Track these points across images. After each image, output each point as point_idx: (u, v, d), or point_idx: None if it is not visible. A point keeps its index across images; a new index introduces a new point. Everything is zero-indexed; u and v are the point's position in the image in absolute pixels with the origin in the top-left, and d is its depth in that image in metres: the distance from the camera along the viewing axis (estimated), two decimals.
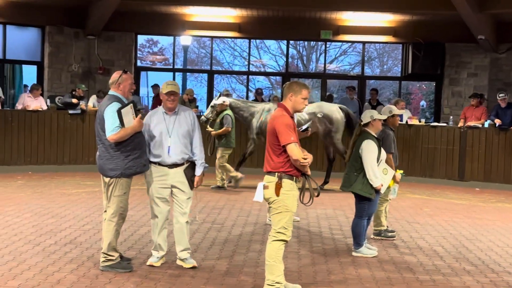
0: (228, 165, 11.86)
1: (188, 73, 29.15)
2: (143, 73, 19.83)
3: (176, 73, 20.50)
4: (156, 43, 32.51)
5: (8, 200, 10.00)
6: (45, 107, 14.18)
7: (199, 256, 6.90)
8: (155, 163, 6.37)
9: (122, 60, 17.06)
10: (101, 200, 9.74)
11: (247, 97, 19.28)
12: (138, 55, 19.00)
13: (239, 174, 11.86)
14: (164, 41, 31.12)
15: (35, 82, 15.58)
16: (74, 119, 14.13)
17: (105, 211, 6.32)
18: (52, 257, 6.66)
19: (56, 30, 16.44)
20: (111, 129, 6.08)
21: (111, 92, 6.36)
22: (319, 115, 12.29)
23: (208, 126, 11.95)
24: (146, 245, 7.33)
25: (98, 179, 11.14)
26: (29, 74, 18.31)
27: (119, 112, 6.07)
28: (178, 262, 6.52)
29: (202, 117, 12.07)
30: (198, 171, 6.46)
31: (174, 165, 6.33)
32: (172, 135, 6.32)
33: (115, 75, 6.37)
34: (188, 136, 6.40)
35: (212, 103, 12.20)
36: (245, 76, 21.52)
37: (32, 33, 16.71)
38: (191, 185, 6.44)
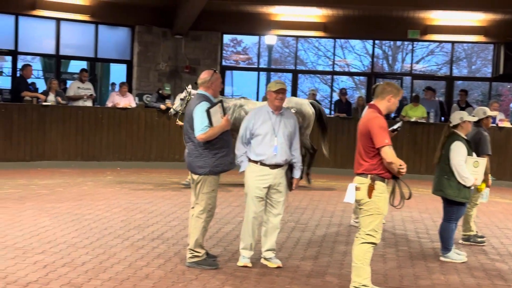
0: None
1: (271, 73, 29.22)
2: (228, 72, 20.01)
3: (260, 73, 20.53)
4: (239, 42, 32.78)
5: (98, 195, 10.31)
6: (133, 105, 14.54)
7: (283, 255, 6.90)
8: (256, 161, 6.38)
9: (208, 59, 17.28)
10: (187, 196, 9.95)
11: (331, 97, 19.13)
12: (223, 54, 19.18)
13: None
14: (248, 40, 31.31)
15: (124, 81, 16.00)
16: (161, 116, 14.43)
17: (193, 208, 6.41)
18: (141, 251, 6.82)
19: (145, 29, 16.84)
20: (200, 128, 6.16)
21: (200, 91, 6.44)
22: (292, 111, 12.11)
23: (178, 120, 11.61)
24: (231, 243, 7.40)
25: (184, 176, 11.36)
26: (117, 73, 18.83)
27: (208, 112, 6.15)
28: (263, 261, 6.53)
29: (171, 110, 11.85)
30: (297, 173, 6.46)
31: (277, 166, 6.34)
32: (278, 135, 6.32)
33: (205, 75, 6.44)
34: (290, 137, 6.40)
35: (181, 95, 11.75)
36: (328, 76, 21.36)
37: (122, 33, 17.18)
38: (290, 187, 6.45)
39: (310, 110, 11.96)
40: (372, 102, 5.69)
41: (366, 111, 5.76)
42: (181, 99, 11.61)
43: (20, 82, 14.05)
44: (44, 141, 13.32)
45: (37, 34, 16.21)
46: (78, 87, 14.37)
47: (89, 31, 16.60)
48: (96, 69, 18.35)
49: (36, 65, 21.87)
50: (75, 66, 18.35)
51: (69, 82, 16.37)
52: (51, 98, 13.65)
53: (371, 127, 5.42)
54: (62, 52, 16.50)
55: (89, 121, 13.85)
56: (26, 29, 15.82)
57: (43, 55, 17.96)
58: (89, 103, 14.36)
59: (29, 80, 14.80)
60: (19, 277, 5.63)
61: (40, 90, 15.19)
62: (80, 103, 14.19)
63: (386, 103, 5.56)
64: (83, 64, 17.38)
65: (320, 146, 12.30)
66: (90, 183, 11.53)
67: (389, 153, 5.34)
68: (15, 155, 12.97)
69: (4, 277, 5.60)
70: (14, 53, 15.99)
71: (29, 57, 20.90)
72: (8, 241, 6.92)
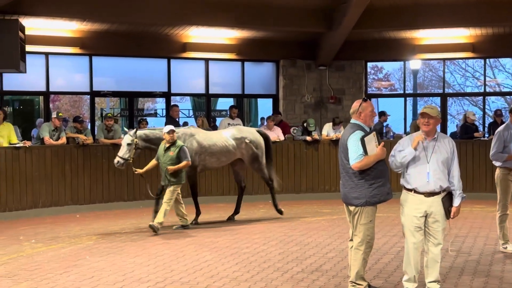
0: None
1: (418, 98, 28.63)
2: (373, 100, 19.84)
3: (407, 98, 20.17)
4: (381, 69, 32.48)
5: (254, 228, 10.49)
6: (282, 138, 14.73)
7: (447, 286, 6.63)
8: (410, 190, 6.25)
9: (352, 88, 17.22)
10: (341, 227, 9.89)
11: (484, 119, 18.37)
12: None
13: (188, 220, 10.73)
14: (389, 66, 30.98)
15: (271, 114, 16.30)
16: (309, 148, 14.52)
17: (351, 240, 6.34)
18: (301, 284, 6.82)
19: (289, 63, 17.12)
20: (355, 157, 6.11)
21: (352, 120, 6.40)
22: (247, 141, 11.44)
23: (134, 168, 10.48)
24: (392, 274, 7.22)
25: (335, 207, 11.31)
26: (264, 107, 19.22)
27: (362, 140, 6.09)
28: None
29: (117, 159, 10.50)
30: (456, 201, 6.19)
31: (432, 194, 6.15)
32: (431, 161, 6.15)
33: (355, 104, 6.41)
34: (447, 164, 6.18)
35: (127, 140, 10.50)
36: (478, 97, 20.54)
37: (267, 68, 17.56)
38: (447, 215, 6.21)
39: (261, 139, 11.68)
40: None
41: None
42: (128, 144, 10.47)
43: (170, 122, 14.70)
44: (199, 177, 13.76)
45: (188, 75, 16.97)
46: (228, 124, 14.81)
47: (236, 68, 17.14)
48: (243, 105, 18.85)
49: (186, 104, 22.90)
50: (223, 103, 18.98)
51: (218, 120, 16.93)
52: None
53: None
54: (211, 90, 17.13)
55: None
56: (178, 71, 16.60)
57: (193, 95, 18.77)
58: None
59: (182, 119, 15.47)
60: None
61: None
62: None
63: None
64: (231, 101, 17.92)
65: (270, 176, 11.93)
66: (244, 217, 11.76)
67: None
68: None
69: None
70: (167, 95, 16.81)
71: (177, 97, 21.91)
72: (174, 276, 7.18)
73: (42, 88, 15.58)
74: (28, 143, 12.36)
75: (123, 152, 10.53)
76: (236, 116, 15.19)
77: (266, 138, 11.83)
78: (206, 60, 16.74)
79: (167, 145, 10.25)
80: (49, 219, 11.60)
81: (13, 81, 15.08)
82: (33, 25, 13.97)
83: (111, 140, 12.98)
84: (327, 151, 14.37)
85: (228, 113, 15.31)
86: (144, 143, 10.69)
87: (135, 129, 10.77)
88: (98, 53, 15.73)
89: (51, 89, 15.78)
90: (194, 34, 15.92)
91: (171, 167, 10.11)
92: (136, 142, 10.49)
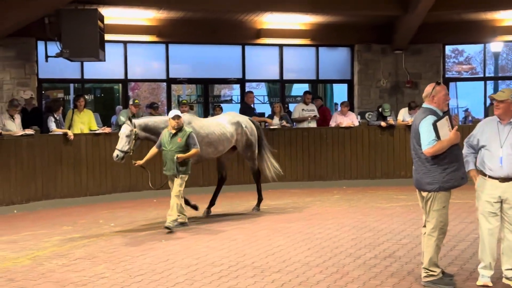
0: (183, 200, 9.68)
1: (499, 81, 27.72)
2: (451, 84, 19.35)
3: (488, 82, 19.53)
4: (461, 52, 31.59)
5: (327, 214, 10.47)
6: (356, 123, 14.61)
7: None
8: (484, 174, 6.10)
9: (429, 72, 16.85)
10: (416, 213, 9.73)
11: None
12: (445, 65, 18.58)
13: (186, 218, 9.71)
14: (470, 49, 30.08)
15: (345, 100, 16.17)
16: (384, 133, 14.34)
17: (424, 226, 6.24)
18: (373, 270, 6.78)
19: (364, 48, 16.89)
20: (427, 142, 6.00)
21: (425, 105, 6.29)
22: (243, 125, 10.70)
23: (133, 160, 9.57)
24: (468, 261, 7.08)
25: (411, 193, 11.10)
26: (339, 92, 19.08)
27: (434, 125, 5.97)
28: (504, 280, 6.15)
29: (116, 152, 9.59)
30: None
31: (506, 179, 5.99)
32: (505, 145, 5.98)
33: (428, 88, 6.31)
34: None
35: (125, 131, 9.58)
36: None
37: (342, 53, 17.39)
38: None
39: (253, 126, 11.00)
40: None
41: None
42: (127, 136, 9.59)
43: (245, 108, 14.81)
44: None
45: (262, 61, 17.01)
46: (303, 109, 14.79)
47: (310, 54, 17.06)
48: (318, 91, 18.76)
49: (262, 91, 22.99)
50: (297, 89, 18.94)
51: (292, 105, 16.93)
52: (276, 121, 14.21)
53: None
54: (286, 76, 17.12)
55: (314, 141, 14.17)
56: (252, 57, 16.68)
57: (268, 81, 18.82)
58: (313, 124, 14.71)
59: (256, 106, 15.55)
60: None
61: (266, 115, 15.89)
62: (305, 124, 14.58)
63: None
64: (305, 87, 17.88)
65: (263, 167, 11.19)
66: (318, 203, 11.76)
67: None
68: (247, 178, 13.61)
69: None
70: (241, 81, 16.93)
71: (253, 84, 22.01)
72: (247, 260, 7.27)
73: (121, 76, 15.99)
74: (107, 130, 12.72)
75: (122, 144, 9.58)
76: (310, 101, 15.14)
77: (257, 127, 11.12)
78: (281, 46, 16.73)
79: (173, 131, 9.35)
80: (127, 204, 11.94)
81: (93, 70, 15.52)
82: (111, 15, 14.33)
83: None
84: (403, 136, 14.13)
85: (302, 98, 15.28)
86: (144, 133, 9.80)
87: (134, 121, 9.72)
88: (174, 41, 15.99)
89: (129, 77, 16.17)
90: (268, 20, 15.94)
91: (181, 155, 9.20)
92: (135, 132, 9.60)
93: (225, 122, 10.62)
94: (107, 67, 15.31)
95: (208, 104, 17.56)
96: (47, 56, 13.31)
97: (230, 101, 23.71)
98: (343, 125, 14.38)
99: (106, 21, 13.72)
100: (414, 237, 8.31)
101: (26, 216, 10.96)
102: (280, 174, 11.41)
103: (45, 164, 11.89)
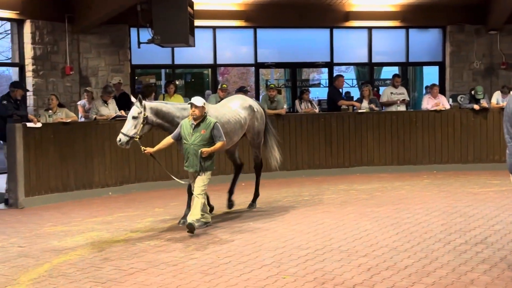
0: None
1: None
2: None
3: None
4: None
5: (416, 199, 10.30)
6: (447, 106, 14.24)
7: None
8: None
9: None
10: (511, 199, 9.42)
11: None
12: None
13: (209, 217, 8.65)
14: None
15: (435, 83, 15.78)
16: (477, 116, 13.92)
17: None
18: (463, 256, 6.63)
19: (456, 29, 16.44)
20: None
21: None
22: (255, 109, 9.61)
23: (142, 147, 8.31)
24: None
25: (505, 178, 10.79)
26: (429, 75, 18.63)
27: None
28: None
29: (120, 137, 8.35)
30: None
31: None
32: None
33: None
34: None
35: (133, 113, 8.35)
36: None
37: (433, 34, 16.98)
38: None
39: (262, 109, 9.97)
40: None
41: None
42: (133, 118, 8.33)
43: (334, 92, 14.71)
44: (361, 147, 13.74)
45: (350, 44, 16.85)
46: (391, 93, 14.56)
47: (400, 36, 16.75)
48: (408, 73, 18.41)
49: (350, 74, 22.77)
50: (387, 72, 18.65)
51: (382, 89, 16.70)
52: (365, 105, 14.05)
53: None
54: (374, 59, 16.91)
55: (404, 125, 13.92)
56: (340, 41, 16.54)
57: (356, 64, 18.64)
58: (402, 108, 14.45)
59: (344, 89, 15.44)
60: (345, 279, 5.87)
61: (355, 98, 15.74)
62: (394, 108, 14.35)
63: None
64: (395, 70, 17.57)
65: (269, 156, 10.13)
66: (407, 187, 11.58)
67: None
68: (335, 162, 13.60)
69: (332, 279, 5.89)
70: (330, 65, 16.82)
71: (343, 67, 21.84)
72: (333, 244, 7.27)
73: (210, 61, 16.24)
74: None
75: (127, 127, 8.33)
76: (400, 84, 14.87)
77: (265, 111, 10.14)
78: (369, 29, 16.53)
79: (194, 122, 8.16)
80: (217, 187, 12.10)
81: (183, 55, 15.84)
82: (200, 1, 14.55)
83: (274, 110, 13.25)
84: (497, 119, 13.65)
85: (391, 82, 15.03)
86: (156, 118, 8.54)
87: (144, 102, 8.44)
88: (262, 25, 16.07)
89: (218, 62, 16.40)
90: (357, 2, 15.76)
91: (206, 149, 8.04)
92: (144, 115, 8.34)
93: (238, 107, 9.45)
94: (197, 53, 15.58)
95: (296, 88, 17.56)
96: (139, 43, 13.68)
97: (318, 85, 23.62)
98: (432, 108, 14.06)
99: (195, 7, 13.95)
100: (508, 223, 8.06)
101: (120, 198, 11.36)
102: (279, 165, 10.30)
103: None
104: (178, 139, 8.30)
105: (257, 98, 16.62)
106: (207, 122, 8.17)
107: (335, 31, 16.41)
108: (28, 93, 13.30)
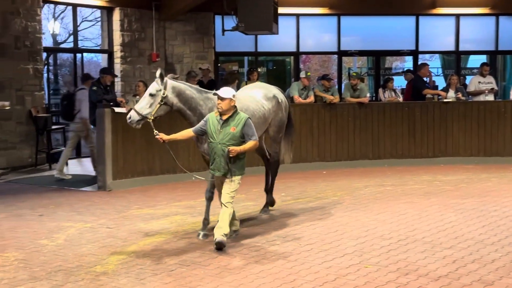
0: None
1: None
2: None
3: None
4: None
5: (504, 191, 10.00)
6: None
7: None
8: None
9: None
10: None
11: None
12: None
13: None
14: None
15: None
16: None
17: None
18: None
19: None
20: None
21: None
22: (279, 100, 8.32)
23: (155, 130, 6.97)
24: None
25: None
26: None
27: None
28: None
29: (131, 114, 7.16)
30: None
31: None
32: None
33: None
34: None
35: (151, 90, 7.16)
36: None
37: None
38: None
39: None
40: None
41: None
42: (150, 96, 7.13)
43: (418, 80, 14.42)
44: (446, 137, 13.43)
45: (437, 32, 16.48)
46: (479, 82, 14.15)
47: (490, 23, 16.25)
48: (496, 62, 17.84)
49: (435, 62, 22.28)
50: (474, 61, 18.16)
51: (468, 78, 16.26)
52: (451, 94, 13.71)
53: None
54: (462, 47, 16.50)
55: (491, 115, 13.50)
56: (426, 28, 16.20)
57: (442, 53, 18.21)
58: (490, 97, 14.03)
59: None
60: (429, 271, 5.78)
61: (440, 87, 15.39)
62: (481, 98, 13.95)
63: None
64: (483, 58, 17.08)
65: (284, 151, 8.82)
66: (494, 179, 11.26)
67: None
68: (418, 152, 13.36)
69: (416, 270, 5.82)
70: (415, 53, 16.51)
71: (426, 56, 21.39)
72: (417, 235, 7.17)
73: (293, 48, 16.25)
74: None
75: (141, 104, 7.15)
76: (488, 73, 14.43)
77: (289, 102, 8.89)
78: (457, 16, 16.15)
79: (223, 117, 6.78)
80: (297, 175, 12.15)
81: (266, 43, 15.92)
82: None
83: (357, 99, 13.13)
84: None
85: (479, 70, 14.60)
86: (177, 100, 7.29)
87: (166, 78, 7.22)
88: (346, 13, 15.94)
89: (301, 50, 16.39)
90: None
91: (235, 148, 6.66)
92: (164, 94, 7.13)
93: (261, 98, 8.12)
94: (280, 40, 15.62)
95: (379, 76, 17.36)
96: (223, 30, 13.85)
97: (401, 73, 23.23)
98: None
99: None
100: None
101: (203, 183, 11.51)
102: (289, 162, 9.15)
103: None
104: (201, 134, 7.01)
105: (339, 86, 16.52)
106: (238, 117, 6.79)
107: (421, 18, 16.12)
108: (116, 79, 13.70)
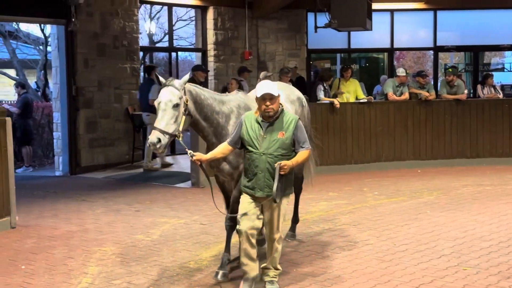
0: None
1: None
2: None
3: None
4: None
5: None
6: None
7: None
8: None
9: None
10: None
11: None
12: None
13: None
14: None
15: None
16: None
17: None
18: None
19: None
20: None
21: None
22: (304, 103, 6.90)
23: (189, 150, 5.19)
24: None
25: None
26: None
27: None
28: None
29: (157, 136, 5.10)
30: None
31: None
32: None
33: None
34: None
35: (172, 98, 5.21)
36: None
37: None
38: None
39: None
40: None
41: None
42: (175, 106, 5.22)
43: None
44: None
45: None
46: None
47: None
48: None
49: None
50: None
51: None
52: None
53: None
54: None
55: None
56: None
57: None
58: None
59: None
60: None
61: None
62: None
63: None
64: None
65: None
66: None
67: None
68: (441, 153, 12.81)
69: None
70: None
71: None
72: None
73: (387, 45, 15.96)
74: (371, 98, 12.75)
75: (165, 121, 5.20)
76: None
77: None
78: None
79: (267, 121, 5.15)
80: (391, 173, 11.92)
81: (359, 39, 15.70)
82: None
83: (454, 95, 12.72)
84: None
85: None
86: (193, 108, 5.47)
87: (183, 80, 5.38)
88: (442, 8, 15.50)
89: (395, 46, 16.07)
90: None
91: (287, 163, 5.00)
92: (186, 101, 5.36)
93: (284, 100, 6.02)
94: (373, 36, 15.38)
95: (478, 72, 16.77)
96: (316, 27, 13.75)
97: (501, 69, 22.40)
98: None
99: None
100: None
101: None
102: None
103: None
104: (240, 147, 5.27)
105: (435, 83, 16.09)
106: (286, 119, 5.18)
107: None
108: (209, 77, 13.89)
